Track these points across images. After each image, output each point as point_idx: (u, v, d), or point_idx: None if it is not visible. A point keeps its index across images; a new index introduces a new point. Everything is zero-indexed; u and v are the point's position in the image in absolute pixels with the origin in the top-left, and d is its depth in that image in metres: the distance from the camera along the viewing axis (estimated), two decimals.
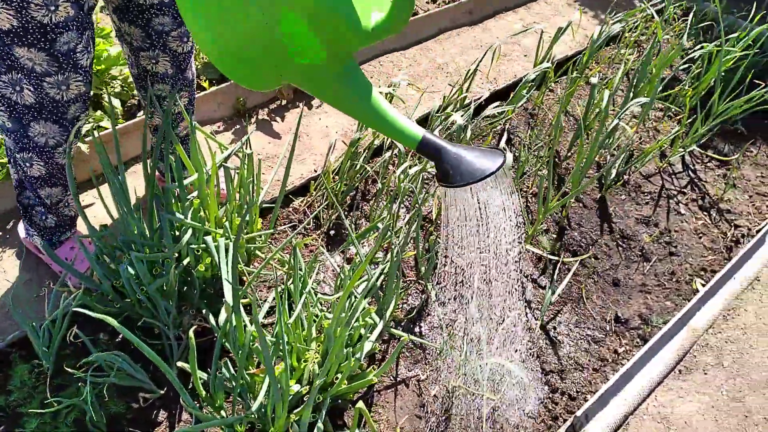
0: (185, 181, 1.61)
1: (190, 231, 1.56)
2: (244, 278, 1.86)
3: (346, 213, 2.21)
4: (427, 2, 3.38)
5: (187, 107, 1.85)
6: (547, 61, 2.68)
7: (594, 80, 2.39)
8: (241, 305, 1.40)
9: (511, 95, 2.58)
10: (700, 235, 2.37)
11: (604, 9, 3.56)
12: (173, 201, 1.62)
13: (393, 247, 1.74)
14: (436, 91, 2.84)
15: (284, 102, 2.68)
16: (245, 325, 1.42)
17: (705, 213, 2.46)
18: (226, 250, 1.49)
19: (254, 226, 1.78)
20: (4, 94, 1.40)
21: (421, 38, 3.15)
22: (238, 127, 2.53)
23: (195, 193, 1.65)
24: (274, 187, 2.24)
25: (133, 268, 1.47)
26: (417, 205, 1.92)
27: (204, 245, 1.60)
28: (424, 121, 2.52)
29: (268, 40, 1.01)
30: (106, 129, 2.17)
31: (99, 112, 2.22)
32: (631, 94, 2.43)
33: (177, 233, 1.64)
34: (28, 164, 1.57)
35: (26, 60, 1.32)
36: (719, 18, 2.70)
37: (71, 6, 1.29)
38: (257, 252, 1.83)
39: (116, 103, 2.30)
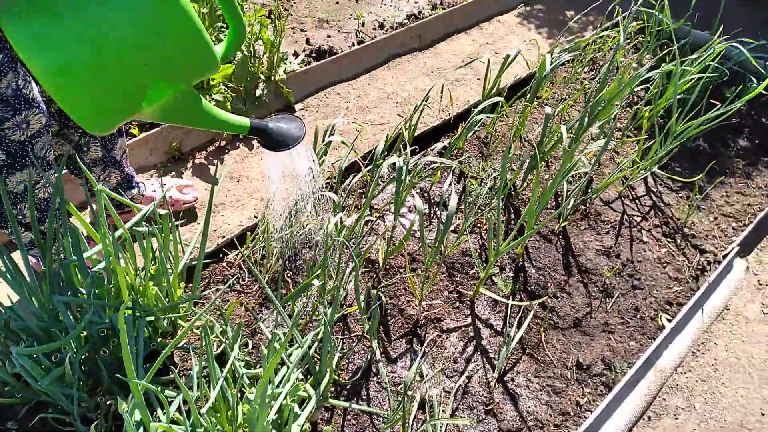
0: (87, 254, 1.44)
1: (92, 309, 1.39)
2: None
3: (287, 264, 2.06)
4: (374, 29, 3.26)
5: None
6: (496, 89, 2.56)
7: (548, 110, 2.26)
8: (149, 393, 1.24)
9: (460, 126, 2.45)
10: (665, 264, 2.24)
11: (557, 27, 3.47)
12: (75, 276, 1.46)
13: (327, 306, 1.59)
14: (385, 123, 2.71)
15: (222, 143, 2.52)
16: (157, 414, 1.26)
17: (669, 239, 2.34)
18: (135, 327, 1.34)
19: (174, 295, 1.61)
20: None
21: (369, 66, 3.02)
22: (173, 173, 2.37)
23: (101, 265, 1.49)
24: (210, 240, 2.08)
25: (22, 361, 1.30)
26: (356, 257, 1.77)
27: (108, 323, 1.43)
28: (371, 160, 2.38)
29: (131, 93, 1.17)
30: None
31: None
32: (586, 120, 2.31)
33: (79, 312, 1.47)
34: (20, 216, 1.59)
35: None
36: (673, 37, 2.61)
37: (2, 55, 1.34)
38: (179, 321, 1.67)
39: None
